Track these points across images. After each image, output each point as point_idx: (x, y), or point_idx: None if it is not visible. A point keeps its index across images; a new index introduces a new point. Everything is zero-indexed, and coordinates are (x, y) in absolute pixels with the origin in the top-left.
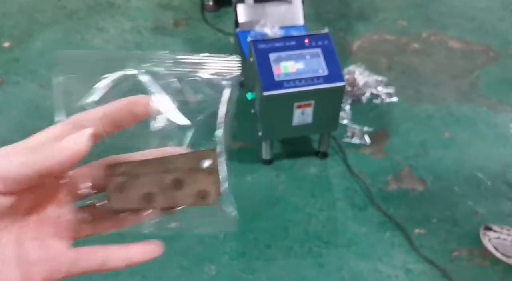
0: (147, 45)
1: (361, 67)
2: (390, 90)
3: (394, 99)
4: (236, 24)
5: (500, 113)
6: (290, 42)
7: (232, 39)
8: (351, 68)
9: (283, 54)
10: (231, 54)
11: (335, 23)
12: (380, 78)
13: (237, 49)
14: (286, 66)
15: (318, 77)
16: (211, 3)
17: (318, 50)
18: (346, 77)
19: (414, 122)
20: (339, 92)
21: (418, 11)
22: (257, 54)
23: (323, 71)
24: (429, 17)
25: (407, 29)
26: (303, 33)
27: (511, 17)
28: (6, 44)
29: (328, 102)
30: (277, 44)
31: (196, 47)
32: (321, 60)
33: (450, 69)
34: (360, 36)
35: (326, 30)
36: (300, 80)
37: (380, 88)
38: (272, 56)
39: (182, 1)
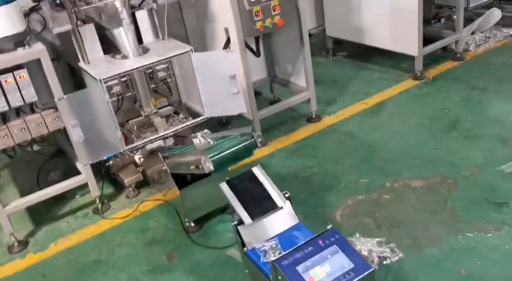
0: None
1: (357, 238)
2: (392, 247)
3: (400, 254)
4: (243, 244)
5: (489, 232)
6: (308, 249)
7: (229, 252)
8: None
9: (307, 262)
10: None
11: (309, 202)
12: (378, 239)
13: (250, 268)
14: (316, 273)
15: (348, 272)
16: (192, 224)
17: (335, 247)
18: None
19: (429, 272)
20: (371, 278)
21: (368, 165)
22: (285, 272)
23: (348, 264)
24: (380, 166)
25: (370, 185)
26: (308, 233)
27: (443, 143)
28: None
29: None
30: (298, 255)
31: (199, 274)
32: (341, 254)
33: (426, 207)
34: (337, 206)
35: (329, 226)
36: None
37: (383, 249)
38: (300, 268)
39: (164, 232)
